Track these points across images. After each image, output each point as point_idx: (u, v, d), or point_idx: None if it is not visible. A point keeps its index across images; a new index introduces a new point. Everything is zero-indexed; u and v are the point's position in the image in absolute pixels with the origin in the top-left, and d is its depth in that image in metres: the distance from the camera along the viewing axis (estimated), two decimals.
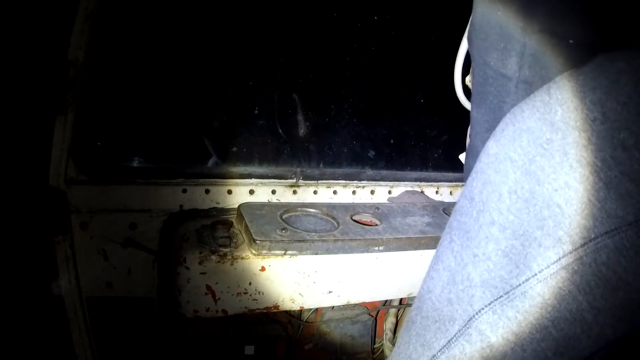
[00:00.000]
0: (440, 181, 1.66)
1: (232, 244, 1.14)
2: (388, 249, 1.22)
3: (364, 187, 1.54)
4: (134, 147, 1.27)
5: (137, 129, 1.27)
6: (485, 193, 0.59)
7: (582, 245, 0.50)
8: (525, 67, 0.69)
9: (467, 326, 0.57)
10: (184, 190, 1.29)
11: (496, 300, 0.55)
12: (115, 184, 1.21)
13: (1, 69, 0.95)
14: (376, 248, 1.21)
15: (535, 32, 0.66)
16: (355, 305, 1.54)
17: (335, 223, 1.25)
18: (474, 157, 0.64)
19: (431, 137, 1.64)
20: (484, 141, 0.63)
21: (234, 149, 1.36)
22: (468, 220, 0.61)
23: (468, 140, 1.00)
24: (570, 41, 0.63)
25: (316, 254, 1.16)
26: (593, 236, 0.49)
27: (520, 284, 0.53)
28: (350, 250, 1.19)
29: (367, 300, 1.35)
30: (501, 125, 0.60)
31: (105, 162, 1.22)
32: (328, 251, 1.16)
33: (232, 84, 1.32)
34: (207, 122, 1.34)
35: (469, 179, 0.64)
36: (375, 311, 1.63)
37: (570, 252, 0.50)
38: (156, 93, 1.25)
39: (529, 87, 0.68)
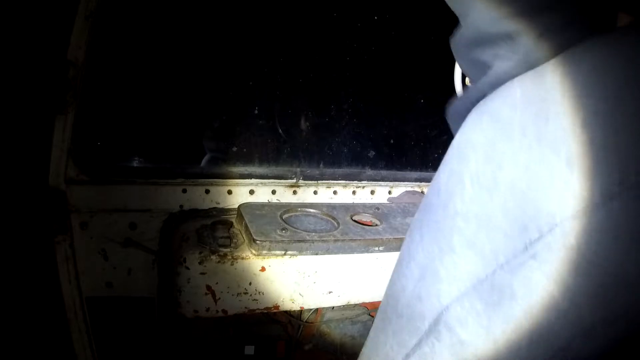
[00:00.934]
0: None
1: (232, 244, 1.14)
2: (388, 249, 1.22)
3: (364, 187, 1.54)
4: (134, 147, 1.27)
5: (137, 129, 1.27)
6: (451, 184, 0.57)
7: (549, 231, 0.47)
8: (514, 66, 0.68)
9: (436, 323, 0.55)
10: (184, 190, 1.29)
11: (463, 294, 0.52)
12: (115, 184, 1.21)
13: (1, 69, 0.95)
14: (376, 248, 1.21)
15: (527, 31, 0.65)
16: (355, 305, 1.54)
17: (335, 223, 1.25)
18: None
19: (431, 137, 1.64)
20: None
21: (234, 149, 1.36)
22: (436, 213, 0.59)
23: None
24: (560, 39, 0.62)
25: (316, 254, 1.16)
26: (559, 221, 0.46)
27: (487, 277, 0.51)
28: (350, 250, 1.19)
29: (367, 300, 1.35)
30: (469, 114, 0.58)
31: (105, 162, 1.22)
32: (328, 251, 1.16)
33: (232, 85, 1.32)
34: (207, 122, 1.34)
35: (437, 171, 0.62)
36: (375, 311, 1.63)
37: (537, 240, 0.47)
38: (156, 93, 1.25)
39: None
